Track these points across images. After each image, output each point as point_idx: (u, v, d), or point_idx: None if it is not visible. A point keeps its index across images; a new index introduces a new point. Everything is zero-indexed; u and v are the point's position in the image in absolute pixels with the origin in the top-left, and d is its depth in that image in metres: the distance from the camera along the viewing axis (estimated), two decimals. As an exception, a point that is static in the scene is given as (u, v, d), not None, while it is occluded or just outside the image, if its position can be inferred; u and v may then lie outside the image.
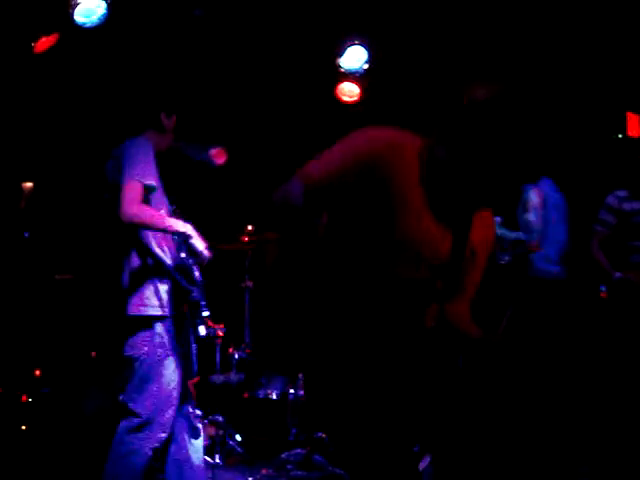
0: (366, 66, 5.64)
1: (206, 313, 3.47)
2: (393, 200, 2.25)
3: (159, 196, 3.45)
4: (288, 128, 6.15)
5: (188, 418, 3.51)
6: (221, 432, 4.88)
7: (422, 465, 3.69)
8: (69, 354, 5.21)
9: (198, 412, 3.61)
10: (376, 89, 5.88)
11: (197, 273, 3.50)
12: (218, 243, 5.13)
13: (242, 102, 5.96)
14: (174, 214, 3.56)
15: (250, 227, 5.02)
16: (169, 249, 3.47)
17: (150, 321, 3.35)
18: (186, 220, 3.47)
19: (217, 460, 4.80)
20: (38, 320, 5.19)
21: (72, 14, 4.66)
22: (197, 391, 3.71)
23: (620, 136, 5.54)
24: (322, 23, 5.51)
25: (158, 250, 3.41)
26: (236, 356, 4.96)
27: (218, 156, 3.76)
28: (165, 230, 3.36)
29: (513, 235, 4.72)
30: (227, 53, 5.58)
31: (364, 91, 5.86)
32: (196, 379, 3.51)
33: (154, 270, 3.39)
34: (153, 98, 3.66)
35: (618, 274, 4.27)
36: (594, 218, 4.53)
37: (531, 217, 4.57)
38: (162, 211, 3.43)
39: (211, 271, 5.80)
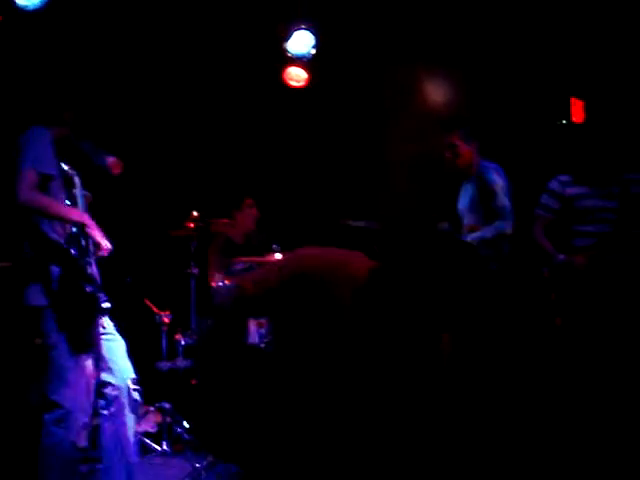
0: (313, 51, 5.62)
1: (106, 305, 3.49)
2: None
3: (58, 185, 3.47)
4: (235, 113, 6.11)
5: (129, 393, 3.58)
6: (168, 419, 4.87)
7: None
8: (13, 342, 5.12)
9: (137, 387, 3.66)
10: (323, 74, 5.87)
11: (92, 267, 3.50)
12: (164, 229, 5.14)
13: (191, 88, 5.90)
14: (75, 204, 3.58)
15: (195, 213, 4.98)
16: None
17: (50, 310, 3.37)
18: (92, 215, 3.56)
19: (164, 447, 4.79)
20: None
21: None
22: (143, 378, 3.73)
23: (564, 122, 5.60)
24: (270, 8, 5.48)
25: (55, 236, 3.42)
26: (183, 342, 4.94)
27: (114, 166, 3.79)
28: (60, 218, 3.40)
29: (489, 232, 4.38)
30: (174, 38, 5.51)
31: (311, 76, 5.84)
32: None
33: (50, 259, 3.39)
34: (58, 90, 3.70)
35: (562, 256, 4.31)
36: (536, 203, 4.57)
37: (505, 201, 4.38)
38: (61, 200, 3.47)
39: (157, 257, 5.80)
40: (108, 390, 3.52)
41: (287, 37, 5.55)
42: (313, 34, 5.58)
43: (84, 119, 3.70)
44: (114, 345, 3.62)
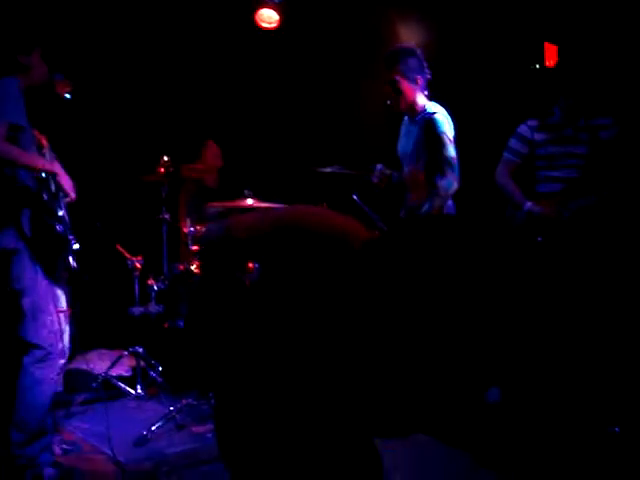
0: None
1: (76, 246, 3.58)
2: None
3: (28, 137, 3.49)
4: (207, 55, 6.02)
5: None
6: (142, 363, 4.92)
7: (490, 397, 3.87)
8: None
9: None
10: (295, 16, 5.79)
11: (62, 210, 3.58)
12: (135, 174, 5.10)
13: (162, 29, 5.80)
14: (42, 154, 3.63)
15: (166, 158, 4.95)
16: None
17: (22, 253, 3.43)
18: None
19: (139, 391, 4.86)
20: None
21: None
22: (116, 323, 3.79)
23: (537, 66, 5.58)
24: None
25: (24, 181, 3.46)
26: (155, 287, 4.96)
27: (62, 85, 3.75)
28: (31, 167, 3.44)
29: (438, 200, 3.88)
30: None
31: (283, 18, 5.76)
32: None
33: (19, 203, 3.44)
34: (5, 39, 3.62)
35: (529, 204, 4.31)
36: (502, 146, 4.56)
37: (453, 152, 3.90)
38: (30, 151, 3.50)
39: (128, 203, 5.76)
40: None
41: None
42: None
43: (50, 59, 3.67)
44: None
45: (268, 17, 5.72)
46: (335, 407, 2.36)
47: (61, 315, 3.57)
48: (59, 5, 4.83)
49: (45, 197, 3.46)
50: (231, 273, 2.53)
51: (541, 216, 4.24)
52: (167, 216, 5.04)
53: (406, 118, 4.25)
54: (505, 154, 4.50)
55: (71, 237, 3.57)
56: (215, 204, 4.97)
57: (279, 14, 5.74)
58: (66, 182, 3.64)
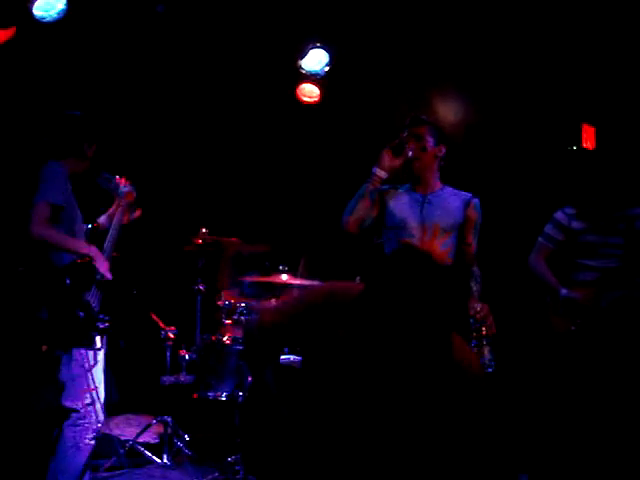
0: (327, 68, 5.66)
1: (104, 325, 3.65)
2: None
3: (70, 215, 3.72)
4: (249, 128, 6.15)
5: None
6: (169, 432, 4.93)
7: None
8: (19, 348, 5.18)
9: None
10: (336, 91, 5.91)
11: (90, 295, 3.66)
12: (174, 244, 5.19)
13: (207, 104, 5.95)
14: (87, 233, 3.94)
15: (204, 229, 5.03)
16: None
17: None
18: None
19: (165, 460, 4.85)
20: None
21: (31, 7, 4.67)
22: (147, 391, 3.85)
23: (575, 148, 5.61)
24: (285, 24, 5.51)
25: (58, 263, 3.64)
26: (187, 358, 4.99)
27: (128, 196, 4.02)
28: (69, 250, 3.63)
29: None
30: (189, 57, 5.57)
31: (324, 93, 5.88)
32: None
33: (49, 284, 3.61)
34: (79, 127, 3.89)
35: (565, 291, 4.30)
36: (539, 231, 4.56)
37: None
38: (76, 229, 3.75)
39: (165, 272, 5.85)
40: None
41: (302, 54, 5.59)
42: (327, 52, 5.62)
43: (103, 151, 3.87)
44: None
45: (309, 92, 5.85)
46: None
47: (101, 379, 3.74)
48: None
49: (68, 282, 3.59)
50: (269, 358, 2.59)
51: (578, 303, 4.23)
52: (202, 287, 5.10)
53: (402, 190, 3.89)
54: (540, 239, 4.50)
55: (100, 317, 3.63)
56: (251, 278, 5.03)
57: (320, 89, 5.87)
58: (101, 264, 3.71)
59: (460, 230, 3.77)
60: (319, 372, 2.46)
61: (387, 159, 3.66)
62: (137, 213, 4.29)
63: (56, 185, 3.64)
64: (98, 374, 3.75)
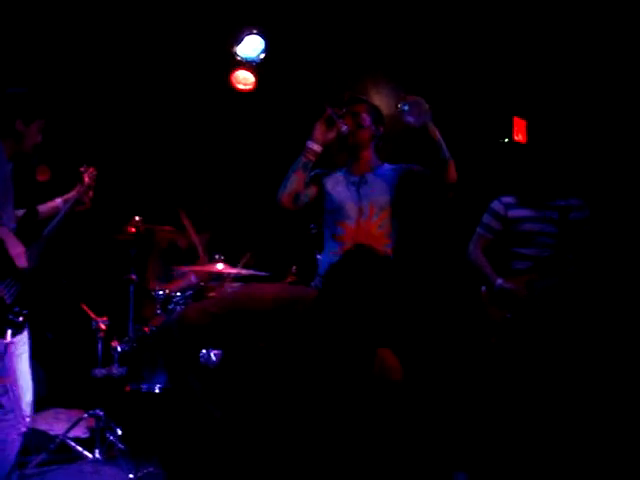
0: (262, 55, 5.59)
1: (18, 319, 3.48)
2: None
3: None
4: (184, 115, 6.04)
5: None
6: (101, 425, 4.79)
7: None
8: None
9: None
10: (271, 78, 5.84)
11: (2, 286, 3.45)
12: (106, 232, 5.05)
13: (139, 91, 5.81)
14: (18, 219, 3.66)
15: (137, 218, 4.91)
16: None
17: None
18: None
19: (97, 455, 4.72)
20: None
21: None
22: (78, 384, 3.73)
23: (506, 140, 5.68)
24: (220, 9, 5.42)
25: None
26: (119, 349, 4.86)
27: (41, 172, 3.82)
28: None
29: None
30: (125, 40, 5.42)
31: (259, 80, 5.80)
32: None
33: None
34: (8, 104, 3.62)
35: (499, 281, 4.35)
36: (476, 222, 4.60)
37: None
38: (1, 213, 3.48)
39: (96, 261, 5.69)
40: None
41: (237, 41, 5.50)
42: (263, 38, 5.55)
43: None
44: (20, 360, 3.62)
45: (244, 79, 5.76)
46: None
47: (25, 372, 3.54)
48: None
49: None
50: (190, 359, 2.53)
51: (511, 293, 4.28)
52: (134, 277, 4.98)
53: (340, 174, 3.90)
54: (478, 229, 4.53)
55: (16, 309, 3.46)
56: (183, 268, 4.94)
57: (255, 76, 5.79)
58: (13, 248, 3.51)
59: (395, 207, 3.77)
60: (240, 375, 2.42)
61: (320, 132, 3.68)
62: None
63: None
64: (22, 366, 3.57)
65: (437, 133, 3.71)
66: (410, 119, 3.66)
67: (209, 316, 2.41)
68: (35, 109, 3.64)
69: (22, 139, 3.61)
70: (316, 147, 3.67)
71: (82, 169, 4.08)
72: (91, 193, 4.19)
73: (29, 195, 3.90)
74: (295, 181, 3.67)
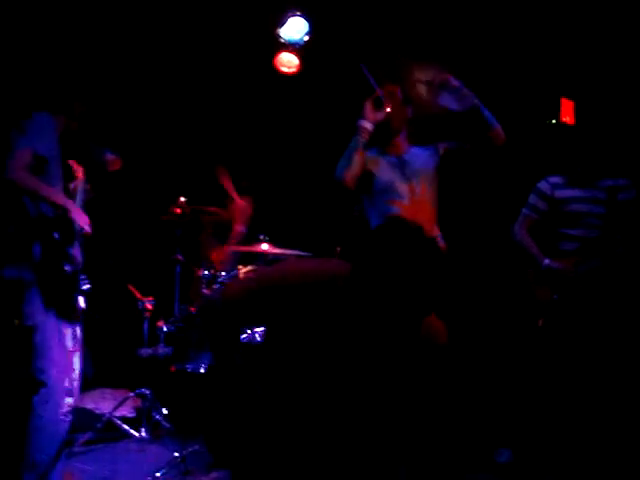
0: (306, 38, 5.56)
1: (86, 287, 3.53)
2: None
3: (52, 171, 3.49)
4: (226, 97, 6.05)
5: None
6: (147, 405, 4.84)
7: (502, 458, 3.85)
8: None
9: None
10: (315, 61, 5.81)
11: (74, 249, 3.51)
12: (152, 214, 5.09)
13: (184, 75, 5.84)
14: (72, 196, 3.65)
15: (182, 199, 4.94)
16: None
17: (34, 288, 3.38)
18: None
19: (143, 434, 4.77)
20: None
21: None
22: (124, 363, 3.75)
23: (554, 122, 5.60)
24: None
25: (40, 215, 3.44)
26: (165, 329, 4.91)
27: (113, 163, 3.85)
28: (46, 199, 3.40)
29: None
30: (166, 26, 5.44)
31: (303, 62, 5.78)
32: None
33: (33, 236, 3.40)
34: (72, 83, 3.71)
35: (547, 261, 4.30)
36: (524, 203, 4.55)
37: None
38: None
39: (143, 242, 5.75)
40: None
41: (281, 23, 5.49)
42: (307, 20, 5.53)
43: (91, 114, 3.70)
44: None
45: (288, 62, 5.75)
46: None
47: (70, 354, 3.50)
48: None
49: (56, 234, 3.42)
50: (232, 335, 2.53)
51: (559, 273, 4.23)
52: (181, 257, 5.01)
53: (374, 154, 3.88)
54: (524, 210, 4.49)
55: (82, 277, 3.52)
56: (232, 248, 4.96)
57: (299, 58, 5.77)
58: (81, 218, 3.55)
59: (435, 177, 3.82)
60: (285, 351, 2.40)
61: (370, 111, 3.72)
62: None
63: (45, 136, 3.43)
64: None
65: (483, 109, 3.70)
66: (454, 106, 3.69)
67: (250, 292, 2.40)
68: (89, 95, 3.71)
69: (72, 122, 3.66)
70: (369, 126, 3.69)
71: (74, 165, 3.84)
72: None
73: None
74: (357, 162, 3.66)
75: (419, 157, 3.84)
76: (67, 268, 3.41)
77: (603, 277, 4.22)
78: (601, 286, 4.22)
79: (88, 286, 3.53)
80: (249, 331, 4.41)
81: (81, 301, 3.57)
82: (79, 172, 3.70)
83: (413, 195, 3.72)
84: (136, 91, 5.69)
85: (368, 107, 3.72)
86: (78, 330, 3.62)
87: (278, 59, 5.77)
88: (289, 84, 5.91)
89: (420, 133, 3.99)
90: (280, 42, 5.60)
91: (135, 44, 5.53)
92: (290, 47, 5.68)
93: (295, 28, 5.54)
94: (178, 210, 4.93)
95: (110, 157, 3.88)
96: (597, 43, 5.31)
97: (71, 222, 3.48)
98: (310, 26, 5.54)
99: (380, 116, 3.73)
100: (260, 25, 5.56)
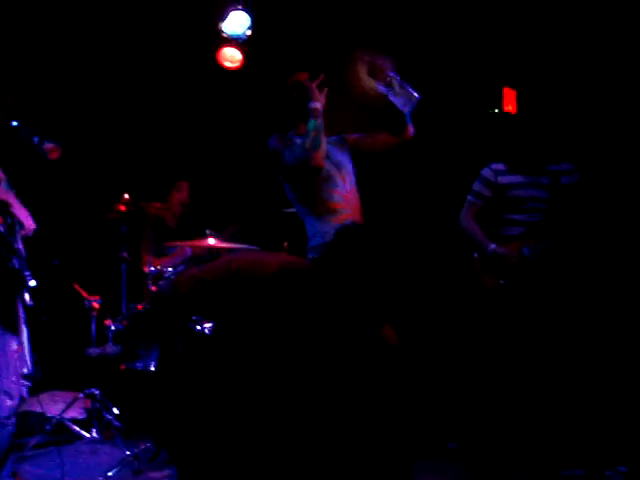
0: (249, 32, 5.54)
1: (32, 283, 3.40)
2: None
3: None
4: (171, 93, 6.01)
5: None
6: (97, 405, 4.80)
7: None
8: None
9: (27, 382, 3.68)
10: (258, 56, 5.80)
11: (18, 244, 3.45)
12: (96, 211, 5.04)
13: (125, 69, 5.78)
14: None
15: (127, 196, 4.90)
16: None
17: None
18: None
19: (94, 434, 4.73)
20: None
21: None
22: (72, 364, 3.70)
23: (496, 111, 5.67)
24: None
25: None
26: (113, 328, 4.86)
27: (52, 151, 3.78)
28: None
29: None
30: (108, 17, 5.38)
31: (246, 57, 5.75)
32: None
33: None
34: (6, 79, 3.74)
35: (492, 246, 4.35)
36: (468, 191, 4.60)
37: None
38: None
39: (87, 240, 5.68)
40: None
41: (223, 17, 5.45)
42: (249, 15, 5.50)
43: (23, 104, 3.64)
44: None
45: (231, 56, 5.71)
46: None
47: (14, 355, 3.44)
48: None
49: (1, 229, 3.34)
50: (183, 327, 2.51)
51: (504, 258, 4.28)
52: (126, 255, 4.97)
53: None
54: (469, 197, 4.53)
55: (27, 273, 3.41)
56: (174, 243, 4.93)
57: (242, 53, 5.74)
58: (22, 214, 3.53)
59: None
60: (234, 342, 2.39)
61: (317, 92, 3.73)
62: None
63: None
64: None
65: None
66: (398, 103, 3.74)
67: (203, 284, 2.38)
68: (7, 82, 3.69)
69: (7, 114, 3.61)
70: (319, 106, 3.69)
71: None
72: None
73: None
74: (324, 141, 3.63)
75: (336, 148, 3.84)
76: (15, 262, 3.33)
77: (549, 261, 4.29)
78: (547, 270, 4.28)
79: (34, 282, 3.42)
80: (198, 322, 4.39)
81: (27, 297, 3.47)
82: None
83: (345, 184, 3.74)
84: (79, 85, 5.62)
85: (314, 88, 3.72)
86: (23, 330, 3.56)
87: (221, 54, 5.73)
88: (233, 79, 5.89)
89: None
90: (223, 37, 5.56)
91: (78, 38, 5.47)
92: (233, 42, 5.65)
93: (237, 22, 5.50)
94: (123, 207, 4.88)
95: (49, 145, 3.78)
96: (538, 32, 5.38)
97: (12, 217, 3.43)
98: (252, 20, 5.52)
99: (323, 99, 3.73)
100: (202, 20, 5.52)
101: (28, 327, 3.69)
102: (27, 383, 3.66)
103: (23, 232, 3.60)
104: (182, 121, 6.15)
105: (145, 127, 6.02)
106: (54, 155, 3.82)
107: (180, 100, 6.06)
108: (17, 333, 3.51)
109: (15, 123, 3.73)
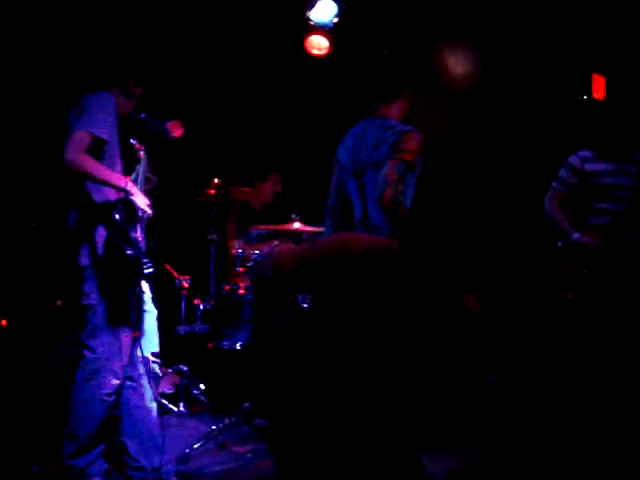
0: (336, 20, 5.61)
1: (149, 270, 3.45)
2: None
3: (112, 152, 3.48)
4: (257, 80, 6.12)
5: (147, 364, 3.66)
6: (185, 381, 4.98)
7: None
8: (35, 304, 5.22)
9: (157, 360, 3.75)
10: (345, 43, 5.86)
11: (136, 233, 3.45)
12: (187, 195, 5.21)
13: (216, 58, 5.92)
14: (135, 179, 3.64)
15: (217, 180, 5.04)
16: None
17: (93, 271, 3.42)
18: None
19: (181, 408, 4.91)
20: (3, 270, 5.18)
21: None
22: (163, 341, 3.82)
23: (585, 97, 5.59)
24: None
25: (101, 198, 3.43)
26: (201, 307, 5.02)
27: (175, 129, 3.84)
28: (105, 182, 3.37)
29: None
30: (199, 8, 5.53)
31: (333, 45, 5.82)
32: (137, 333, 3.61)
33: (95, 220, 3.41)
34: (127, 61, 3.69)
35: (577, 234, 4.31)
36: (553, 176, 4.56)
37: None
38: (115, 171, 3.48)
39: (178, 223, 5.87)
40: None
41: (310, 5, 5.53)
42: (336, 3, 5.57)
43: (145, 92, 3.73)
44: (147, 316, 3.69)
45: (318, 44, 5.79)
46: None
47: (127, 338, 3.50)
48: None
49: (117, 218, 3.35)
50: (279, 300, 2.59)
51: (588, 247, 4.24)
52: (215, 237, 5.12)
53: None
54: (554, 184, 4.49)
55: (145, 260, 3.44)
56: (260, 226, 5.06)
57: (329, 40, 5.81)
58: (140, 200, 3.50)
59: None
60: (329, 316, 2.46)
61: None
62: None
63: (103, 116, 3.37)
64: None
65: None
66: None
67: (302, 261, 2.47)
68: (143, 73, 3.71)
69: (129, 101, 3.68)
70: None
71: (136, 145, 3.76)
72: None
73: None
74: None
75: None
76: (129, 252, 3.34)
77: (634, 252, 4.22)
78: (632, 261, 4.21)
79: (151, 270, 3.46)
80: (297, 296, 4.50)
81: (144, 285, 3.61)
82: (140, 153, 3.68)
83: None
84: (173, 73, 5.77)
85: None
86: (146, 313, 3.67)
87: (308, 42, 5.82)
88: (319, 66, 5.96)
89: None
90: (310, 25, 5.65)
91: (174, 28, 5.62)
92: (320, 29, 5.73)
93: (324, 10, 5.58)
94: (212, 191, 5.03)
95: (169, 124, 3.84)
96: (627, 17, 5.27)
97: (132, 205, 3.45)
98: (339, 8, 5.58)
99: None
100: (290, 8, 5.62)
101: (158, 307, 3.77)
102: (158, 361, 3.75)
103: (145, 218, 3.62)
104: (269, 108, 6.26)
105: (235, 114, 6.16)
106: (177, 133, 3.84)
107: (268, 87, 6.17)
108: (128, 322, 3.53)
109: (143, 115, 3.81)
